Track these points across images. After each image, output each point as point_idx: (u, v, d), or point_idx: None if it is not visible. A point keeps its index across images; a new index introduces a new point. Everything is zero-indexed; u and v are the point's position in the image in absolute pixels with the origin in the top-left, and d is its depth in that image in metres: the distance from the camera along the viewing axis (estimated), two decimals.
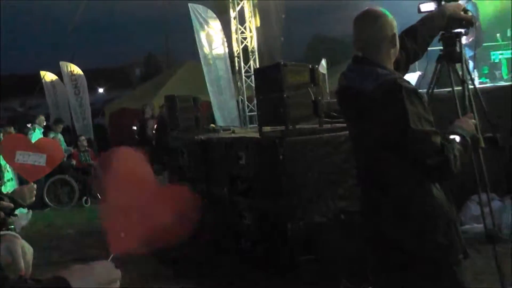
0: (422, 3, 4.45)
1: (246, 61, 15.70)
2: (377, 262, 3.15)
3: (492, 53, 12.30)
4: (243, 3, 15.76)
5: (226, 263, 6.98)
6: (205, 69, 14.69)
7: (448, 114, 3.84)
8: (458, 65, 4.56)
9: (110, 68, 43.94)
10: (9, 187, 9.72)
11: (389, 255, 2.99)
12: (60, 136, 15.00)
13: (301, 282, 5.83)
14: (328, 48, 27.87)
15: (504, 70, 11.79)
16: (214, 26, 15.05)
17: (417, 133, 2.73)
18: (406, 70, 3.36)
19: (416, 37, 3.40)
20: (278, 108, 6.20)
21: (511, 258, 4.74)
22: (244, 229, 6.98)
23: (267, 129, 6.75)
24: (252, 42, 15.82)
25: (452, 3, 3.99)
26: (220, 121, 14.10)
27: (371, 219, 3.11)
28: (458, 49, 4.51)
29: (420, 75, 5.83)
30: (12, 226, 4.01)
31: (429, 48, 3.66)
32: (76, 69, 20.17)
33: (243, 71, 15.50)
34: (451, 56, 4.53)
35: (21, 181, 8.29)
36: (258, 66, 15.07)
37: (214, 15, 15.13)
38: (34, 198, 4.05)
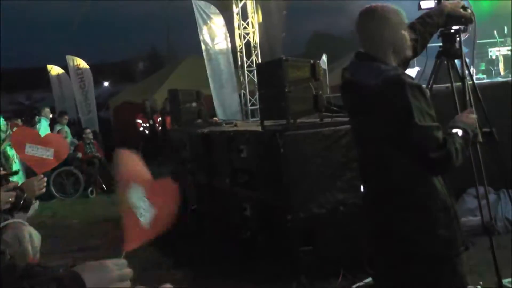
0: (422, 0, 4.54)
1: (249, 56, 15.81)
2: (378, 254, 3.23)
3: (489, 49, 12.39)
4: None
5: (226, 253, 7.09)
6: (207, 63, 14.79)
7: (447, 110, 3.93)
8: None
9: (114, 62, 43.92)
10: (16, 178, 9.84)
11: (391, 247, 3.07)
12: (66, 128, 15.21)
13: (301, 273, 5.91)
14: (328, 44, 27.88)
15: (502, 66, 11.87)
16: (217, 22, 15.15)
17: (420, 128, 2.79)
18: (406, 66, 3.40)
19: (416, 34, 3.44)
20: (279, 102, 6.28)
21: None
22: (245, 220, 7.08)
23: (268, 123, 6.84)
24: (255, 38, 15.92)
25: (451, 1, 4.06)
26: (221, 115, 14.19)
27: (372, 212, 3.18)
28: (457, 45, 4.61)
29: (419, 71, 5.91)
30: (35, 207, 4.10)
31: (428, 45, 3.75)
32: (82, 63, 20.31)
33: (245, 65, 15.60)
34: (450, 52, 4.63)
35: (27, 174, 8.40)
36: (260, 61, 15.18)
37: (217, 11, 15.22)
38: (44, 190, 4.17)
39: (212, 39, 15.03)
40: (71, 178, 13.79)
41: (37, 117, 14.60)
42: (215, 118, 11.53)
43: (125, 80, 36.79)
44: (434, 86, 4.78)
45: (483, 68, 12.17)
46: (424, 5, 4.40)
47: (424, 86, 4.63)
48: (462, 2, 4.03)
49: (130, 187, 2.09)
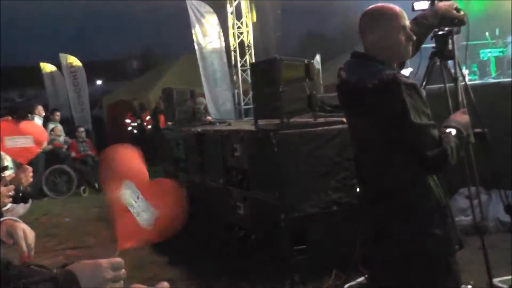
0: (416, 1, 4.58)
1: (242, 55, 15.85)
2: (373, 254, 3.25)
3: (481, 51, 12.49)
4: None
5: (220, 252, 7.12)
6: (200, 62, 14.80)
7: (439, 110, 3.96)
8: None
9: (108, 60, 43.87)
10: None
11: (386, 247, 3.09)
12: (60, 126, 15.17)
13: (294, 272, 5.94)
14: (321, 44, 27.95)
15: (493, 67, 11.96)
16: (211, 21, 15.16)
17: (417, 127, 2.83)
18: (402, 67, 3.42)
19: None
20: (273, 102, 6.30)
21: None
22: (238, 219, 7.10)
23: (262, 122, 6.86)
24: (249, 37, 15.97)
25: (445, 2, 4.09)
26: (215, 114, 14.21)
27: (368, 211, 3.20)
28: (450, 46, 4.65)
29: (412, 72, 5.94)
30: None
31: (422, 46, 3.79)
32: (76, 61, 20.30)
33: (239, 65, 15.65)
34: (443, 53, 4.67)
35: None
36: (254, 60, 15.21)
37: (211, 10, 15.23)
38: (31, 179, 4.13)
39: (206, 38, 15.04)
40: (64, 177, 13.76)
41: (29, 115, 14.56)
42: (208, 117, 11.55)
43: (119, 78, 36.79)
44: (427, 86, 4.81)
45: (475, 69, 12.25)
46: (418, 6, 4.44)
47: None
48: (456, 4, 4.07)
49: (123, 184, 2.09)
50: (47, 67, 21.85)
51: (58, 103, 20.67)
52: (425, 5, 4.43)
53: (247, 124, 8.79)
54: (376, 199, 3.12)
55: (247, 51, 15.86)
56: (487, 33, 12.58)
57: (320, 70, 13.63)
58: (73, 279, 1.68)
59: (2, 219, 4.28)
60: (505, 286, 5.21)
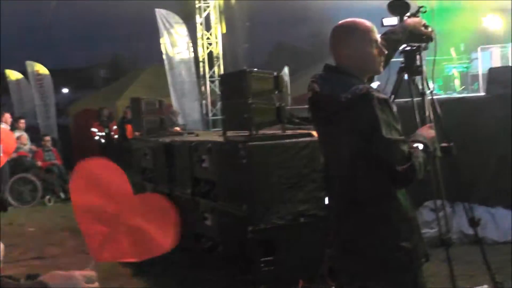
0: (385, 17, 4.66)
1: (211, 66, 15.87)
2: (340, 266, 3.26)
3: (446, 66, 12.74)
4: (210, 10, 15.93)
5: (186, 263, 7.08)
6: (168, 73, 14.80)
7: (407, 124, 4.02)
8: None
9: (75, 68, 43.50)
10: None
11: (353, 259, 3.10)
12: (25, 135, 14.96)
13: (260, 283, 5.94)
14: (290, 56, 28.12)
15: (458, 83, 12.22)
16: (180, 31, 15.18)
17: (387, 141, 2.85)
18: (370, 81, 3.44)
19: None
20: (242, 114, 6.32)
21: None
22: (206, 230, 7.09)
23: (231, 133, 6.87)
24: (217, 48, 16.00)
25: (413, 18, 4.18)
26: (182, 124, 14.18)
27: (337, 223, 3.21)
28: (418, 62, 4.74)
29: (379, 85, 6.03)
30: None
31: (390, 60, 3.84)
32: (42, 69, 20.10)
33: (207, 76, 15.65)
34: (412, 69, 4.76)
35: None
36: (222, 71, 15.26)
37: (181, 21, 15.26)
38: None
39: (175, 48, 15.04)
40: (29, 186, 13.55)
41: None
42: (177, 128, 11.52)
43: (86, 87, 36.48)
44: (395, 100, 4.88)
45: (440, 83, 12.48)
46: (387, 22, 4.52)
47: None
48: (424, 20, 4.15)
49: (96, 197, 2.06)
50: (13, 75, 21.57)
51: (24, 111, 20.41)
52: (394, 21, 4.52)
53: (215, 135, 8.79)
54: (344, 211, 3.13)
55: (215, 62, 15.89)
56: (451, 49, 12.84)
57: (288, 82, 13.71)
58: None
59: None
60: None
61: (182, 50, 15.11)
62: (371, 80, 3.41)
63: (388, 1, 4.69)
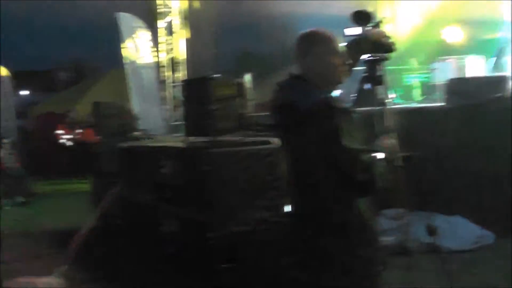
0: (348, 27, 4.72)
1: (173, 71, 15.80)
2: (300, 273, 3.23)
3: (406, 76, 12.93)
4: (173, 15, 15.87)
5: (148, 269, 7.01)
6: (130, 77, 14.66)
7: (368, 133, 4.06)
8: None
9: (35, 71, 42.79)
10: None
11: (313, 266, 3.11)
12: None
13: None
14: (256, 62, 28.16)
15: (418, 92, 12.39)
16: (142, 36, 15.07)
17: (348, 151, 2.88)
18: (333, 90, 3.43)
19: None
20: (204, 120, 6.32)
21: None
22: (167, 236, 7.03)
23: (192, 139, 6.84)
24: (180, 53, 15.94)
25: (376, 29, 4.26)
26: (142, 129, 14.06)
27: (298, 231, 3.22)
28: (379, 72, 4.80)
29: (341, 93, 6.08)
30: None
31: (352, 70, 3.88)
32: (2, 70, 19.72)
33: (169, 81, 15.58)
34: (373, 78, 4.81)
35: None
36: (186, 76, 15.21)
37: (143, 25, 15.15)
38: None
39: (136, 53, 14.93)
40: None
41: None
42: (136, 132, 11.42)
43: (46, 89, 35.90)
44: (356, 110, 4.92)
45: (401, 93, 12.63)
46: (350, 32, 4.57)
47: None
48: (386, 32, 4.21)
49: None
50: None
51: None
52: (357, 31, 4.57)
53: (176, 141, 8.74)
54: (305, 219, 3.15)
55: (178, 67, 15.82)
56: (412, 59, 13.02)
57: (252, 89, 13.73)
58: None
59: None
60: None
61: (144, 55, 15.00)
62: (333, 89, 3.44)
63: (352, 12, 4.74)
